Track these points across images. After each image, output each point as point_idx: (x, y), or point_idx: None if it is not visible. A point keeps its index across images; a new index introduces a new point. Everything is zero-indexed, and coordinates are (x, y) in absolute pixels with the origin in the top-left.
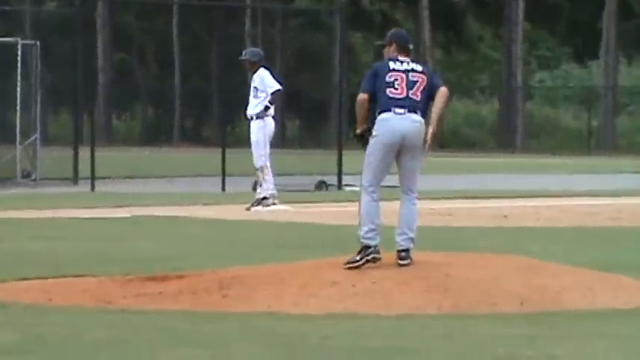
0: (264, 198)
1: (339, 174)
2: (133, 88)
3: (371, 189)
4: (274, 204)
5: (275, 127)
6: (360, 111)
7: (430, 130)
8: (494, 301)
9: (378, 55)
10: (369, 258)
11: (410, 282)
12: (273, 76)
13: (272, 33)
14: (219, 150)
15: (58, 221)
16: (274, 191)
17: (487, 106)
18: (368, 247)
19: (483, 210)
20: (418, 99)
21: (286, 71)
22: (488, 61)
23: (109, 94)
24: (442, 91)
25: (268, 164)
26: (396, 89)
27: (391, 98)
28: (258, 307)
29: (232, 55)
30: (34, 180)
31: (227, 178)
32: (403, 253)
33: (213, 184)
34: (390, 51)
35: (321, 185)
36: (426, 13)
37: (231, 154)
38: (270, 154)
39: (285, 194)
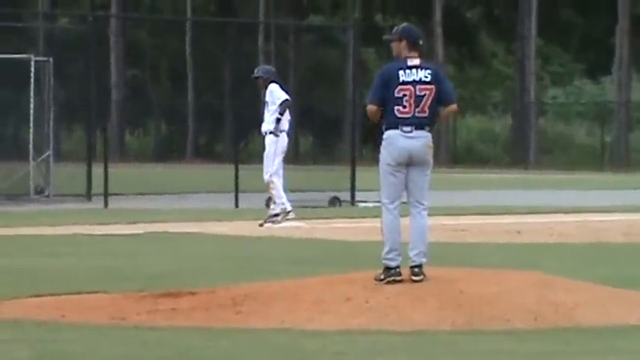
0: (276, 214)
1: (352, 190)
2: (146, 104)
3: (391, 206)
4: (287, 220)
5: (288, 143)
6: (373, 120)
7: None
8: (507, 317)
9: (388, 59)
10: (389, 279)
11: (423, 298)
12: (283, 89)
13: (285, 49)
14: (232, 166)
15: (71, 238)
16: (285, 206)
17: (500, 122)
18: (389, 268)
19: (497, 226)
20: (426, 115)
21: (299, 87)
22: (501, 77)
23: (122, 111)
24: (451, 108)
25: (275, 179)
26: (404, 107)
27: (399, 118)
28: (271, 324)
29: (245, 72)
30: (47, 196)
31: (240, 194)
32: (416, 269)
33: (226, 201)
34: (399, 47)
35: (335, 201)
36: (439, 29)
37: (245, 170)
38: (284, 169)
39: (299, 210)
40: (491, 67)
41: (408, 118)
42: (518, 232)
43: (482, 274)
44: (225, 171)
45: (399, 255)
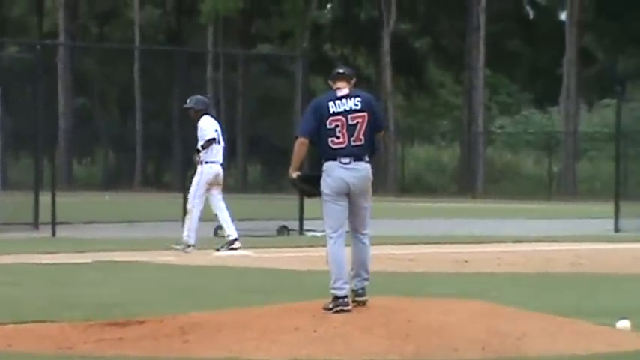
0: (189, 246)
1: (301, 219)
2: (94, 132)
3: (334, 234)
4: (186, 252)
5: (222, 173)
6: (298, 155)
7: None
8: (455, 346)
9: None
10: (337, 309)
11: (372, 327)
12: (214, 118)
13: (234, 78)
14: (180, 195)
15: (18, 267)
16: (189, 240)
17: (448, 151)
18: (337, 297)
19: (444, 255)
20: (362, 143)
21: (248, 116)
22: (449, 107)
23: (70, 139)
24: (379, 135)
25: (195, 210)
26: (338, 138)
27: (334, 149)
28: (219, 353)
29: None
30: None
31: None
32: (360, 290)
33: (174, 229)
34: (330, 84)
35: (283, 230)
36: (387, 59)
37: None
38: (229, 198)
39: (247, 239)
40: (439, 96)
41: (343, 148)
42: (466, 261)
43: (430, 303)
44: (173, 199)
45: (345, 283)
